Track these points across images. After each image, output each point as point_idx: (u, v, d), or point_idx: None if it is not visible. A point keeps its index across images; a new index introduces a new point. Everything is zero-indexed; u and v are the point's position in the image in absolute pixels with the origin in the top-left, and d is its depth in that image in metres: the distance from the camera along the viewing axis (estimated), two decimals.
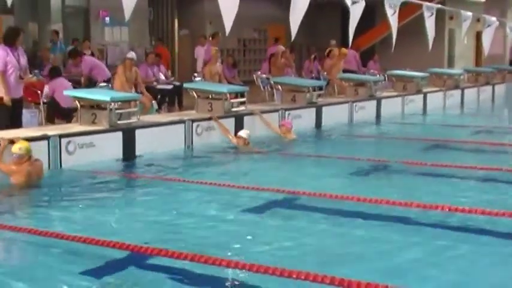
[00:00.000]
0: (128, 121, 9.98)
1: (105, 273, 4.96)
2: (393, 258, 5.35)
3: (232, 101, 11.81)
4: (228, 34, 11.34)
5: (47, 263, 5.24)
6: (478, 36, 25.96)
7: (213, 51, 13.88)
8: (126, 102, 10.26)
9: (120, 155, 9.56)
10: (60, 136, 8.86)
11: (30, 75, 10.33)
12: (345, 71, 17.13)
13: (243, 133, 10.64)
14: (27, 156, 7.75)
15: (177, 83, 14.47)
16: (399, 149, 11.07)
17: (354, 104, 14.70)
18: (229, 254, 5.42)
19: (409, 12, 21.77)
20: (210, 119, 11.07)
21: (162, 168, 9.18)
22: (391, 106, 15.88)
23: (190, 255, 5.06)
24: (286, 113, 12.61)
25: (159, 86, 13.99)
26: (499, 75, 22.54)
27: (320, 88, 14.09)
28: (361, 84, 15.68)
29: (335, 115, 13.97)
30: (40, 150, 8.44)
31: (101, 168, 8.90)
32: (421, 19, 18.76)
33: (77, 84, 12.76)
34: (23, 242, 5.90)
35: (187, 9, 23.23)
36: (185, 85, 12.72)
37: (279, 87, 13.94)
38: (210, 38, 15.83)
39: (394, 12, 16.13)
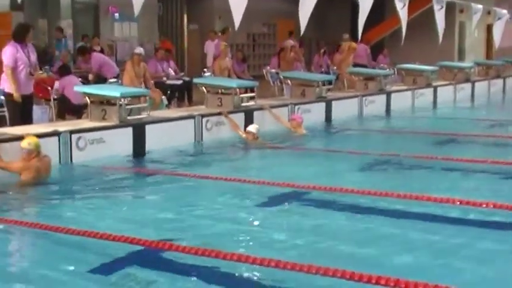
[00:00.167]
0: (138, 117, 10.00)
1: (116, 268, 4.97)
2: (407, 253, 5.33)
3: (241, 95, 11.80)
4: (238, 29, 11.33)
5: (56, 258, 5.26)
6: (489, 29, 25.89)
7: (223, 46, 13.87)
8: (136, 97, 10.28)
9: (130, 151, 9.58)
10: (71, 132, 8.88)
11: (40, 72, 10.35)
12: (356, 65, 17.07)
13: (252, 128, 10.63)
14: (36, 152, 7.74)
15: (187, 78, 14.48)
16: (409, 143, 11.03)
17: (364, 98, 14.67)
18: (240, 248, 5.43)
19: (419, 6, 21.69)
20: (219, 114, 11.07)
21: (172, 164, 9.19)
22: (401, 100, 15.83)
23: (201, 249, 5.06)
24: (296, 107, 12.60)
25: (169, 82, 13.99)
26: (510, 68, 22.40)
27: (330, 82, 14.08)
28: (370, 78, 15.63)
29: (345, 109, 13.94)
30: (51, 146, 8.47)
31: (111, 163, 8.92)
32: (431, 12, 18.72)
33: (86, 81, 12.78)
34: (32, 237, 5.93)
35: (197, 4, 23.22)
36: (195, 80, 12.71)
37: (289, 81, 13.92)
38: (220, 33, 15.82)
39: (404, 5, 16.10)
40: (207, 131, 10.83)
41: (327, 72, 17.29)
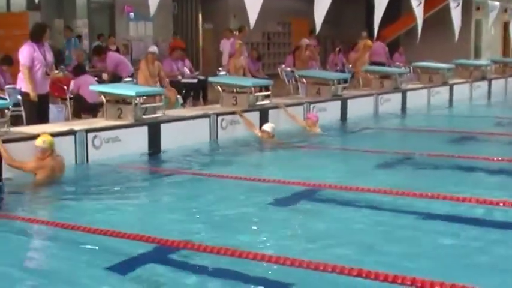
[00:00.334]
0: (153, 115, 10.03)
1: (132, 266, 4.99)
2: (424, 252, 5.31)
3: (256, 94, 11.79)
4: (253, 28, 11.32)
5: (73, 256, 5.28)
6: (506, 26, 25.71)
7: (237, 45, 13.87)
8: (151, 96, 10.31)
9: (146, 149, 9.60)
10: (87, 131, 8.92)
11: (56, 71, 10.41)
12: (374, 63, 17.00)
13: (267, 127, 10.62)
14: (50, 150, 7.77)
15: (202, 77, 14.49)
16: (425, 141, 10.98)
17: (379, 97, 14.61)
18: (255, 247, 5.42)
19: (435, 3, 21.59)
20: (234, 112, 11.07)
21: (187, 163, 9.20)
22: (417, 98, 15.75)
23: (217, 248, 5.07)
24: (311, 106, 12.57)
25: (184, 80, 14.01)
26: None
27: (345, 81, 14.04)
28: (386, 76, 15.57)
29: (360, 108, 13.89)
30: (67, 145, 8.52)
31: (127, 162, 8.94)
32: (447, 10, 18.63)
33: (101, 80, 12.83)
34: (49, 236, 5.96)
35: (212, 3, 23.24)
36: (210, 79, 12.73)
37: (304, 80, 13.88)
38: (236, 32, 15.82)
39: (420, 3, 16.03)
40: (222, 130, 10.84)
41: (342, 71, 17.24)
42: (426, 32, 17.26)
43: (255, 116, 11.26)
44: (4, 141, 7.83)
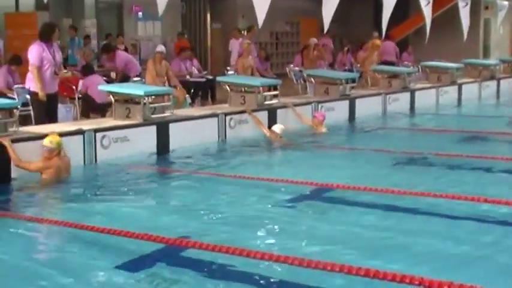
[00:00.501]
0: (162, 115, 10.03)
1: (140, 266, 4.99)
2: (434, 253, 5.29)
3: (265, 94, 11.79)
4: (261, 27, 11.33)
5: (82, 256, 5.30)
6: None
7: (245, 45, 13.87)
8: (160, 96, 10.32)
9: (154, 149, 9.61)
10: (95, 130, 8.94)
11: (65, 71, 10.44)
12: (385, 62, 16.97)
13: (277, 128, 10.60)
14: (57, 151, 7.79)
15: (210, 77, 14.50)
16: (434, 141, 10.94)
17: (388, 96, 14.58)
18: (264, 246, 5.43)
19: (444, 3, 21.54)
20: (243, 112, 11.07)
21: (196, 162, 9.21)
22: (425, 98, 15.71)
23: (225, 248, 5.07)
24: (320, 105, 12.56)
25: (192, 79, 14.03)
26: None
27: (353, 80, 14.01)
28: (394, 76, 15.54)
29: (368, 107, 13.87)
30: (75, 144, 8.54)
31: (135, 162, 8.96)
32: (455, 9, 18.58)
33: (109, 79, 12.85)
34: (59, 235, 5.99)
35: (220, 3, 23.26)
36: (218, 78, 12.74)
37: (312, 79, 13.87)
38: (245, 32, 15.84)
39: (428, 2, 15.99)
40: (230, 129, 10.84)
41: (351, 70, 17.22)
42: (435, 32, 17.24)
43: (263, 116, 11.25)
44: (13, 141, 7.86)
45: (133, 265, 5.01)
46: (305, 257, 4.80)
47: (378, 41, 17.15)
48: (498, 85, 18.99)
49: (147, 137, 9.57)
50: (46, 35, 9.54)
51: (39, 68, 9.36)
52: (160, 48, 12.48)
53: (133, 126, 9.50)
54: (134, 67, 13.43)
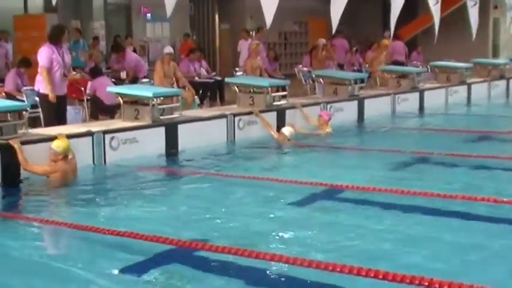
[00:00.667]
0: (170, 116, 10.05)
1: (149, 268, 4.99)
2: (442, 253, 5.27)
3: (273, 94, 11.77)
4: (269, 27, 11.32)
5: (90, 258, 5.31)
6: None
7: (253, 46, 13.86)
8: (168, 97, 10.33)
9: (163, 150, 9.62)
10: (104, 132, 8.96)
11: (74, 73, 10.46)
12: (395, 62, 16.93)
13: (286, 131, 10.48)
14: (62, 155, 7.81)
15: (219, 78, 14.51)
16: (443, 141, 10.90)
17: (397, 96, 14.54)
18: (273, 247, 5.41)
19: (452, 2, 21.45)
20: (251, 113, 11.06)
21: (205, 163, 9.21)
22: (435, 97, 15.66)
23: (234, 249, 5.05)
24: (328, 106, 12.54)
25: (200, 80, 14.04)
26: None
27: (362, 81, 13.98)
28: (403, 76, 15.50)
29: (377, 107, 13.83)
30: (84, 146, 8.56)
31: (144, 163, 8.97)
32: (464, 9, 18.51)
33: (118, 81, 12.87)
34: (67, 237, 5.99)
35: (228, 4, 23.28)
36: (226, 79, 12.73)
37: (321, 80, 13.85)
38: (253, 33, 15.84)
39: (437, 2, 15.93)
40: (239, 130, 10.84)
41: (359, 70, 17.18)
42: (443, 31, 17.18)
43: (272, 116, 11.24)
44: (22, 143, 7.88)
45: (141, 267, 5.00)
46: (313, 258, 4.79)
47: (386, 41, 17.11)
48: (507, 84, 18.90)
49: (156, 138, 9.58)
50: (56, 37, 9.58)
51: (49, 70, 9.38)
52: (169, 49, 12.49)
53: (142, 128, 9.51)
54: (143, 68, 13.46)
